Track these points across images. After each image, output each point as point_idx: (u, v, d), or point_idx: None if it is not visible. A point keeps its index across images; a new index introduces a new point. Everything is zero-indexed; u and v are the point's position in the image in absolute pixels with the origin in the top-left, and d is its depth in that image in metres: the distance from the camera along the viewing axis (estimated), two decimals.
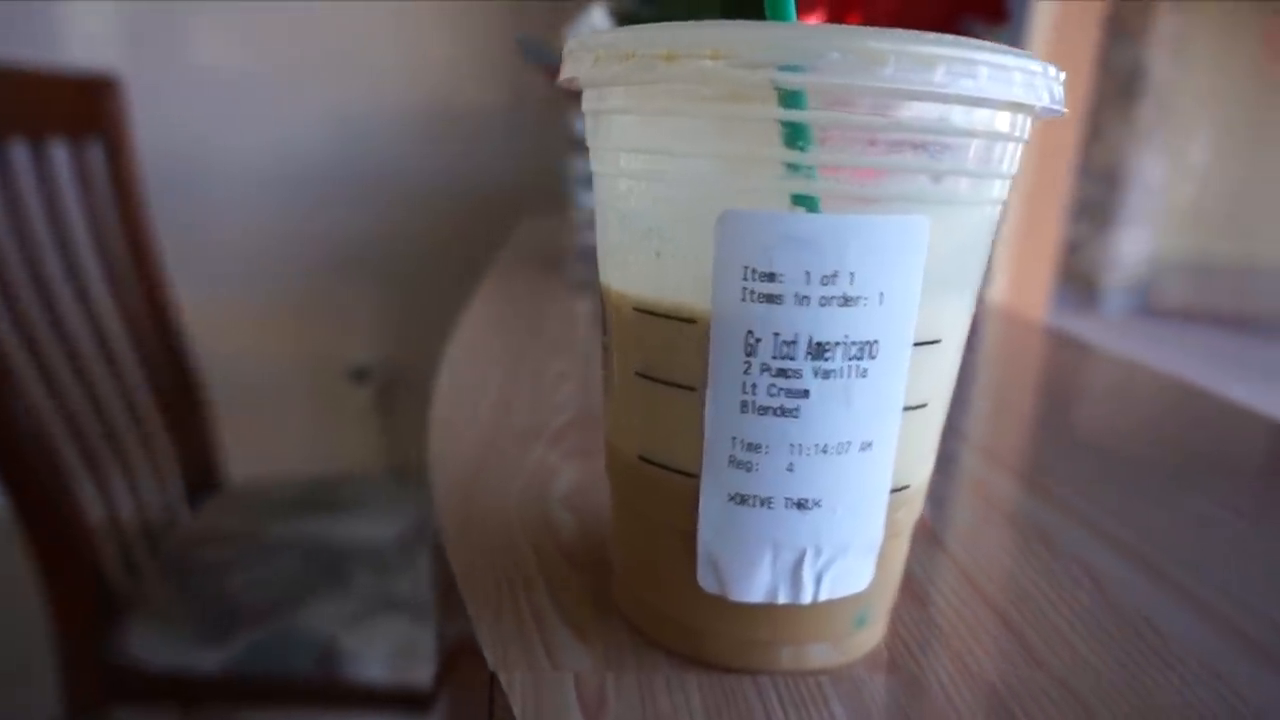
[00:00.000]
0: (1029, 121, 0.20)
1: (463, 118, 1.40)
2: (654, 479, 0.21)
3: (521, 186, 1.41)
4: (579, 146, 1.09)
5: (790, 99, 0.17)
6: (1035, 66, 0.18)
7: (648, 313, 0.20)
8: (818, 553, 0.20)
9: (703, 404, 0.19)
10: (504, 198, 1.42)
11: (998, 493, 0.34)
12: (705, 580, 0.21)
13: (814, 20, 0.61)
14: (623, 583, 0.24)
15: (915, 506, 0.22)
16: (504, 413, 0.39)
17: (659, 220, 0.20)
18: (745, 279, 0.18)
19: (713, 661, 0.22)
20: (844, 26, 0.18)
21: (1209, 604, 0.26)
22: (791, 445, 0.19)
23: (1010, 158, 0.20)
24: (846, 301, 0.18)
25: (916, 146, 0.18)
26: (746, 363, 0.19)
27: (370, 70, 1.37)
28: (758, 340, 0.19)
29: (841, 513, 0.20)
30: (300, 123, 1.34)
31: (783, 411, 0.19)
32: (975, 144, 0.19)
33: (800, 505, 0.20)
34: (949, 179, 0.19)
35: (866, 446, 0.20)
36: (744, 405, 0.19)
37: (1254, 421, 0.47)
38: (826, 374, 0.19)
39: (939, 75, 0.17)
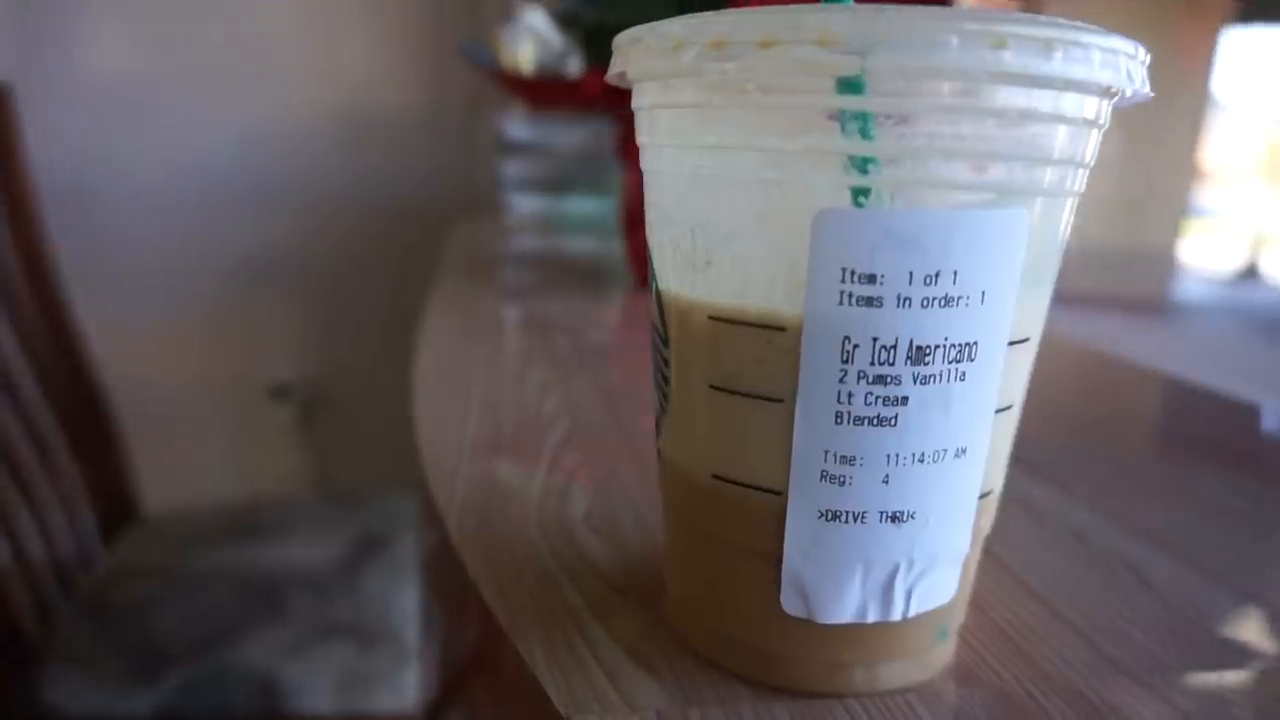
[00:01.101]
0: (1110, 107, 0.19)
1: (380, 122, 1.36)
2: (730, 499, 0.20)
3: (444, 192, 1.37)
4: (512, 149, 1.07)
5: (885, 86, 0.16)
6: (1129, 48, 0.18)
7: (728, 321, 0.19)
8: (910, 567, 0.19)
9: (792, 416, 0.18)
10: (426, 204, 1.38)
11: (1016, 491, 0.34)
12: (790, 603, 0.19)
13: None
14: (683, 608, 0.22)
15: (993, 513, 0.21)
16: (494, 430, 0.37)
17: (739, 223, 0.18)
18: (844, 281, 0.17)
19: (795, 688, 0.20)
20: (938, 8, 0.16)
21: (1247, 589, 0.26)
22: (889, 456, 0.18)
23: (1094, 146, 0.19)
24: (948, 302, 0.17)
25: (1012, 135, 0.17)
26: (842, 371, 0.18)
27: (280, 74, 1.31)
28: (855, 346, 0.17)
29: (934, 524, 0.19)
30: (206, 130, 1.28)
31: (880, 421, 0.18)
32: (1064, 131, 0.18)
33: (895, 519, 0.19)
34: (1039, 168, 0.18)
35: (961, 453, 0.19)
36: (838, 416, 0.18)
37: (1200, 397, 0.48)
38: (926, 379, 0.18)
39: (1057, 60, 0.16)
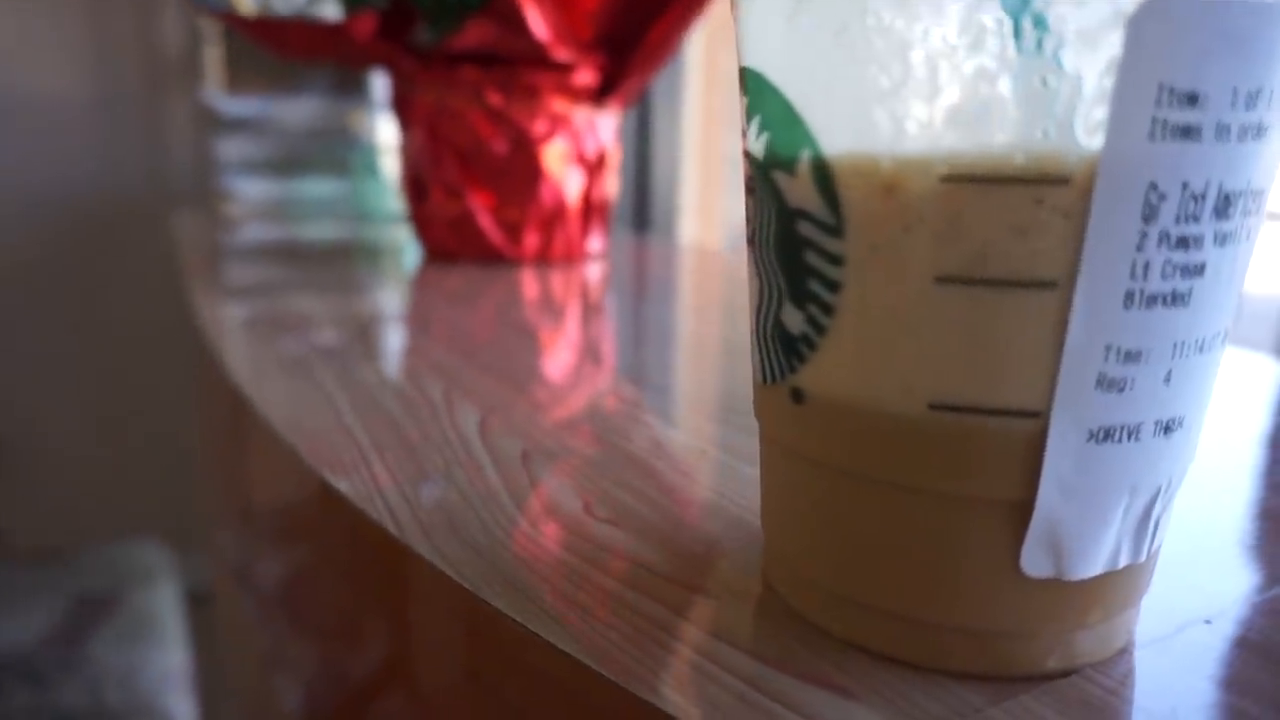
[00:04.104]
0: None
1: (27, 105, 1.12)
2: (957, 433, 0.14)
3: (127, 183, 1.17)
4: (227, 127, 0.92)
5: None
6: None
7: (982, 181, 0.13)
8: (1167, 488, 0.15)
9: (1065, 305, 0.13)
10: (104, 200, 1.17)
11: None
12: (1033, 563, 0.15)
13: None
14: (829, 591, 0.17)
15: None
16: (391, 436, 0.28)
17: (1001, 29, 0.13)
18: (1160, 104, 0.12)
19: (1018, 672, 0.16)
20: None
21: None
22: (1175, 345, 0.14)
23: None
24: (1260, 133, 0.13)
25: None
26: (1142, 233, 0.13)
27: None
28: (1162, 198, 0.13)
29: (1194, 431, 0.15)
30: None
31: (1174, 299, 0.14)
32: None
33: (1168, 429, 0.14)
34: None
35: (1225, 335, 0.15)
36: (1129, 297, 0.13)
37: None
38: (1224, 239, 0.14)
39: None
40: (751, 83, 0.16)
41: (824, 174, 0.15)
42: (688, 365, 0.42)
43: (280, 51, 0.60)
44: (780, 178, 0.15)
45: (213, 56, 0.99)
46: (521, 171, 0.60)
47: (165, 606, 0.92)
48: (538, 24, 0.54)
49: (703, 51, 1.04)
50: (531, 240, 0.62)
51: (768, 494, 0.19)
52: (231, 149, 0.90)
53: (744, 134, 0.17)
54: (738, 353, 0.39)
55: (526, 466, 0.25)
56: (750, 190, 0.17)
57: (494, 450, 0.26)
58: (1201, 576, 0.20)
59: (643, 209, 0.99)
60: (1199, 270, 0.14)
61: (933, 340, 0.14)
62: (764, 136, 0.16)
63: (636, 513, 0.22)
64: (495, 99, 0.58)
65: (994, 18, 0.13)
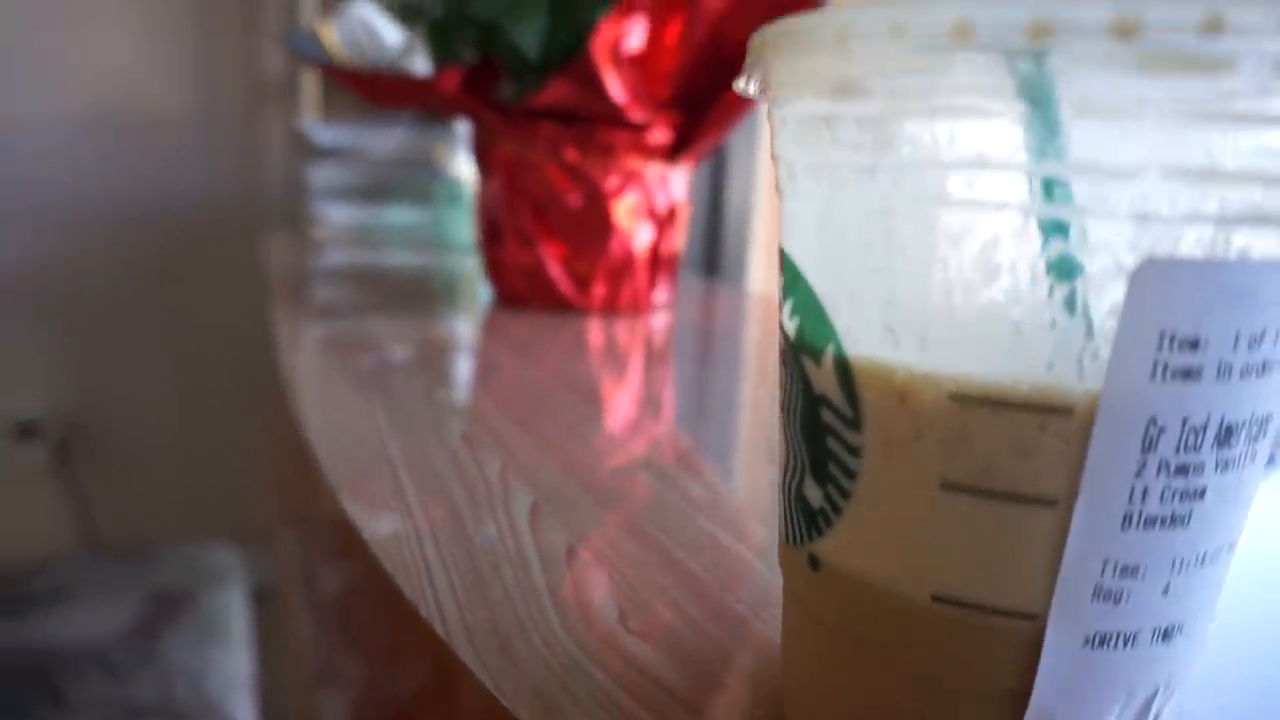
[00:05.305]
0: None
1: (139, 121, 1.19)
2: (958, 626, 0.15)
3: (223, 201, 1.22)
4: (320, 154, 0.96)
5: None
6: None
7: (987, 403, 0.14)
8: (1166, 688, 0.16)
9: (1064, 521, 0.14)
10: (200, 215, 1.23)
11: None
12: None
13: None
14: None
15: None
16: (437, 499, 0.30)
17: (1015, 269, 0.14)
18: (1160, 349, 0.13)
19: None
20: None
21: None
22: (1174, 561, 0.15)
23: None
24: (1265, 369, 0.14)
25: None
26: (1141, 462, 0.14)
27: (22, 67, 1.12)
28: (1161, 430, 0.14)
29: (1197, 635, 0.16)
30: None
31: (1172, 521, 0.14)
32: None
33: (1166, 636, 0.15)
34: None
35: (1231, 547, 0.15)
36: (1127, 519, 0.14)
37: None
38: (1226, 465, 0.14)
39: None
40: (788, 267, 0.17)
41: (845, 371, 0.16)
42: (743, 445, 0.43)
43: (371, 99, 0.63)
44: (808, 363, 0.17)
45: (309, 86, 1.04)
46: (593, 225, 0.61)
47: (234, 609, 0.96)
48: (615, 87, 0.56)
49: None
50: (599, 290, 0.63)
51: (787, 638, 0.20)
52: (322, 175, 0.94)
53: (780, 307, 0.18)
54: None
55: (570, 564, 0.26)
56: (783, 361, 0.18)
57: (542, 543, 0.28)
58: None
59: (713, 255, 1.00)
60: (1199, 494, 0.14)
61: (937, 539, 0.15)
62: (796, 320, 0.17)
63: (669, 627, 0.23)
64: (571, 154, 0.60)
65: (1008, 257, 0.14)
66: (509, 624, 0.23)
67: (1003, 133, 0.13)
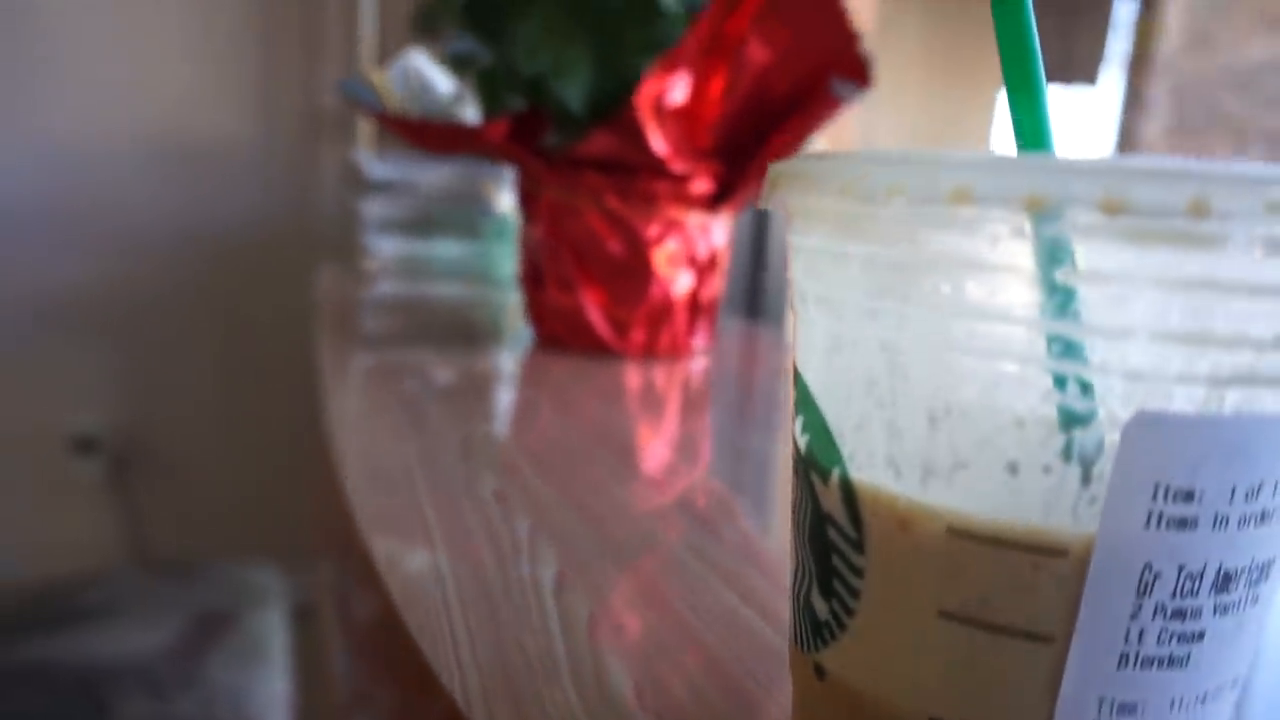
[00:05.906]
0: None
1: (200, 148, 1.23)
2: None
3: (277, 229, 1.26)
4: (372, 188, 0.98)
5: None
6: None
7: (984, 540, 0.14)
8: None
9: (1060, 658, 0.14)
10: (255, 241, 1.26)
11: None
12: None
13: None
14: None
15: None
16: (464, 557, 0.31)
17: (1014, 414, 0.14)
18: (1155, 499, 0.13)
19: None
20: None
21: None
22: (1173, 700, 0.15)
23: None
24: (1264, 518, 0.14)
25: None
26: (1137, 605, 0.14)
27: (89, 93, 1.16)
28: (1156, 576, 0.14)
29: None
30: (1, 152, 1.11)
31: (1170, 662, 0.14)
32: None
33: None
34: None
35: (1236, 684, 0.16)
36: (1124, 659, 0.14)
37: None
38: (1225, 609, 0.14)
39: None
40: (800, 385, 0.18)
41: (850, 495, 0.16)
42: (779, 496, 0.43)
43: (421, 146, 0.65)
44: (816, 481, 0.17)
45: (364, 120, 1.07)
46: (633, 272, 0.62)
47: (275, 630, 0.98)
48: (657, 140, 0.57)
49: (823, 146, 1.05)
50: (638, 336, 0.64)
51: None
52: (374, 208, 0.96)
53: (793, 419, 0.18)
54: None
55: (591, 636, 0.27)
56: (795, 471, 0.18)
57: (565, 613, 0.28)
58: None
59: (755, 297, 1.01)
60: (1198, 637, 0.14)
61: (935, 665, 0.15)
62: (805, 437, 0.17)
63: (683, 709, 0.24)
64: (613, 202, 0.61)
65: (1007, 402, 0.14)
66: (527, 697, 0.24)
67: (1004, 285, 0.14)
